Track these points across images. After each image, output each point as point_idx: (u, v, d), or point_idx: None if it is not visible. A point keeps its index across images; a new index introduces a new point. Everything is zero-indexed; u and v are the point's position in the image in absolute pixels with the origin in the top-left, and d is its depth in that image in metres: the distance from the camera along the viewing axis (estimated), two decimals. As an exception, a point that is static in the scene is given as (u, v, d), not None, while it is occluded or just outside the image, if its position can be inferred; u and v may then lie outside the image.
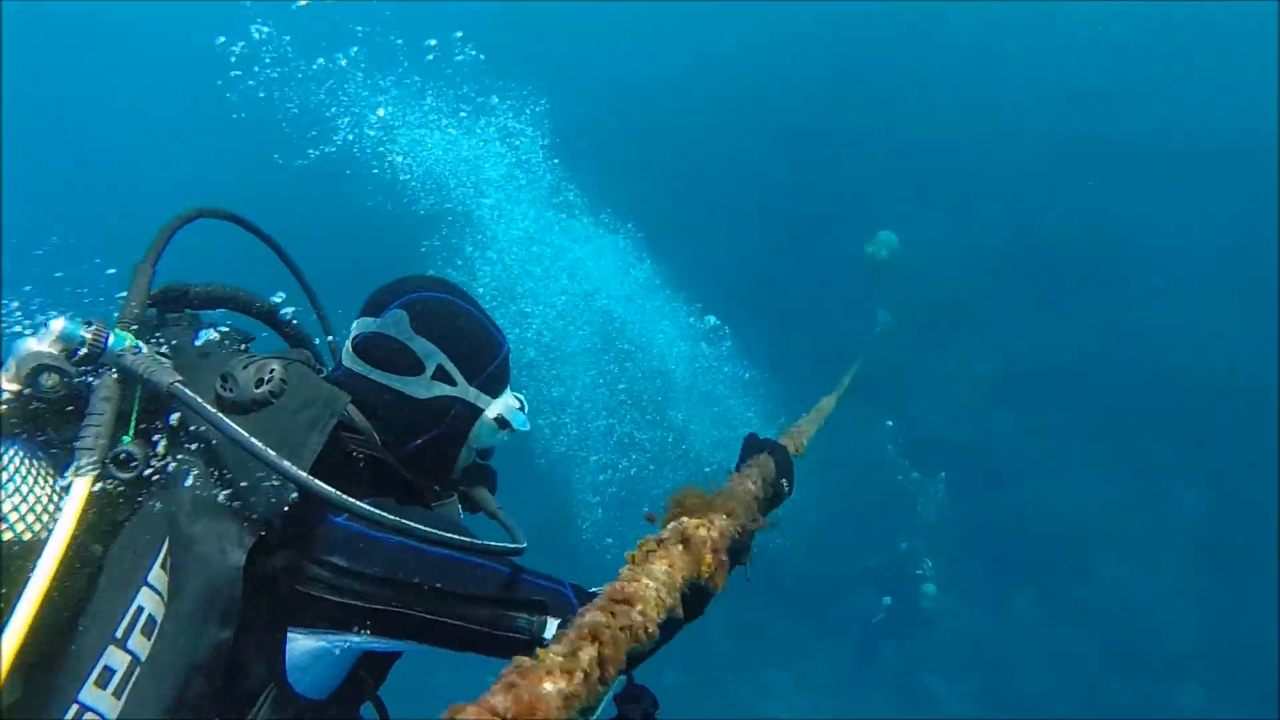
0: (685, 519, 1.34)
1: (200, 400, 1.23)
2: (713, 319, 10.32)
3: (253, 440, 1.19)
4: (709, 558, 1.31)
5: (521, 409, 1.74)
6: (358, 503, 1.23)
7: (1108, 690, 9.89)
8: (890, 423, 11.39)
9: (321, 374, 1.59)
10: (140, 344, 1.31)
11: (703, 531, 1.35)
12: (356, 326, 1.65)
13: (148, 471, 1.26)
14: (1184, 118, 13.57)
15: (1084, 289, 12.50)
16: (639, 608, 0.96)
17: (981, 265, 12.96)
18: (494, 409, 1.68)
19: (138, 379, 1.25)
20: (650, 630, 0.95)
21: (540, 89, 8.36)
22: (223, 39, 5.94)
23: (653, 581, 1.07)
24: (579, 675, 0.76)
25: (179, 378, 1.25)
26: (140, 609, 1.19)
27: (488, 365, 1.68)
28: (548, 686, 0.71)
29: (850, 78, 15.28)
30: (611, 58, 17.66)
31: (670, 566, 1.17)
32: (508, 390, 1.74)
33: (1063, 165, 13.45)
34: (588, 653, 0.80)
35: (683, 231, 12.80)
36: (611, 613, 0.90)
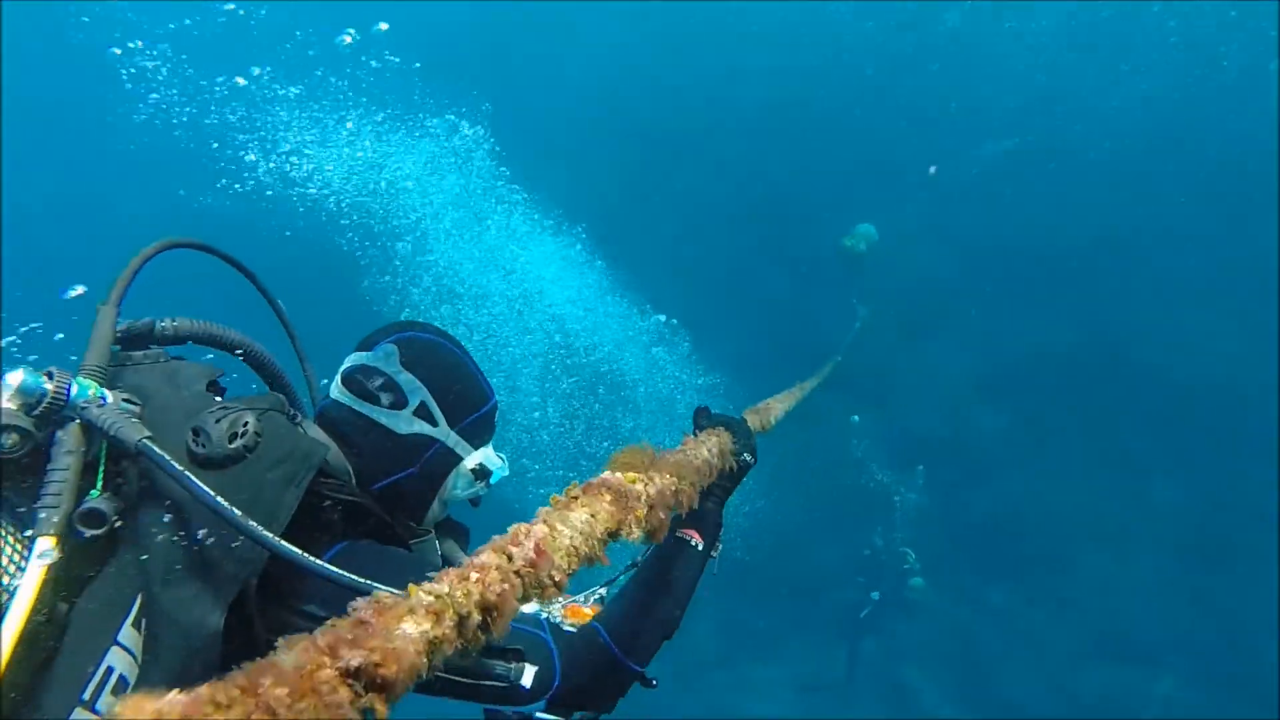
0: (620, 472, 1.26)
1: (169, 459, 1.16)
2: (662, 318, 10.12)
3: (219, 501, 1.14)
4: (641, 511, 1.21)
5: (502, 465, 1.74)
6: (331, 568, 1.17)
7: (1086, 681, 9.96)
8: (855, 418, 11.34)
9: (297, 418, 1.55)
10: (105, 392, 1.24)
11: (638, 486, 1.26)
12: (348, 360, 1.67)
13: (116, 525, 1.19)
14: (1164, 110, 13.28)
15: (1064, 283, 12.36)
16: (541, 550, 0.83)
17: (963, 259, 12.76)
18: (473, 459, 1.68)
19: (103, 434, 1.19)
20: (557, 579, 0.83)
21: (487, 88, 8.09)
22: (118, 50, 5.36)
23: (567, 529, 0.96)
24: (449, 618, 0.62)
25: (147, 433, 1.18)
26: (110, 669, 1.13)
27: (471, 413, 1.68)
28: (407, 628, 0.58)
29: (825, 65, 14.60)
30: (575, 53, 16.84)
31: (592, 516, 1.06)
32: (489, 445, 1.74)
33: (1043, 159, 13.23)
34: (465, 593, 0.67)
35: (646, 230, 12.54)
36: (507, 554, 0.78)
